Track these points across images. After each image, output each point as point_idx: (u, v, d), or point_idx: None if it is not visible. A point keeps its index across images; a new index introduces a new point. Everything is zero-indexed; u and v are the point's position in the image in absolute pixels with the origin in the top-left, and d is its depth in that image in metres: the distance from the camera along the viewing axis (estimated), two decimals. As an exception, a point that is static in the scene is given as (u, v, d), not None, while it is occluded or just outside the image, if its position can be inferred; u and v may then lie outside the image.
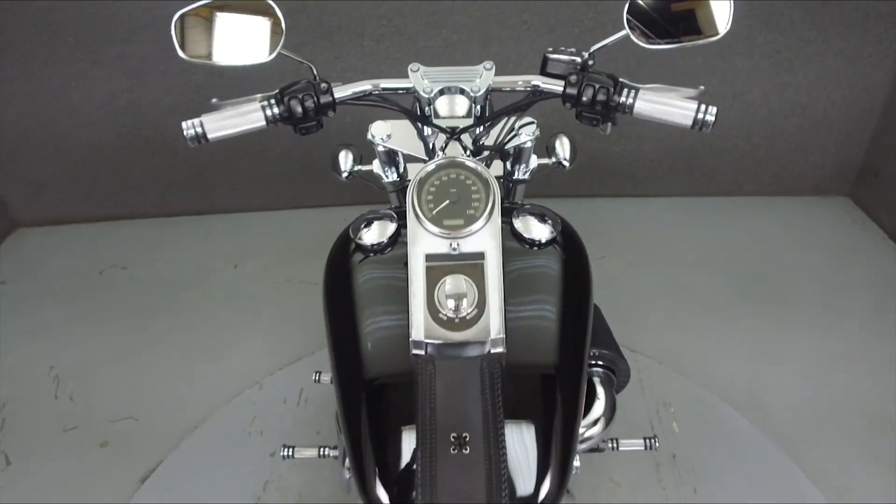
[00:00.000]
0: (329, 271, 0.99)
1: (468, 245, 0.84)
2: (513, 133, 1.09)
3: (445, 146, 1.01)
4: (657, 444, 1.31)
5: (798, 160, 2.78)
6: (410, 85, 0.96)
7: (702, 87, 0.96)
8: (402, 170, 1.22)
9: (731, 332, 2.22)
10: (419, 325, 0.80)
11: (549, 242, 0.93)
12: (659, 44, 0.94)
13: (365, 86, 0.97)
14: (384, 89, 0.98)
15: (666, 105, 0.90)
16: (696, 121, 0.89)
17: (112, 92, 2.47)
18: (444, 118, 1.07)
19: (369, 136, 1.11)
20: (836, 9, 2.32)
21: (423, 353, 0.81)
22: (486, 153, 1.09)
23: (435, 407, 0.83)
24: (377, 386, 0.90)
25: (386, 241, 0.93)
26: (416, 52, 2.37)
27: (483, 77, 0.95)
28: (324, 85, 0.92)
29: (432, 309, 0.80)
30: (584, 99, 0.90)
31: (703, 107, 0.89)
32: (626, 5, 0.93)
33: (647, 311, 2.28)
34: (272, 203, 2.81)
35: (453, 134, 1.00)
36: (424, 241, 0.84)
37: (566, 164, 1.23)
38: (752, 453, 1.79)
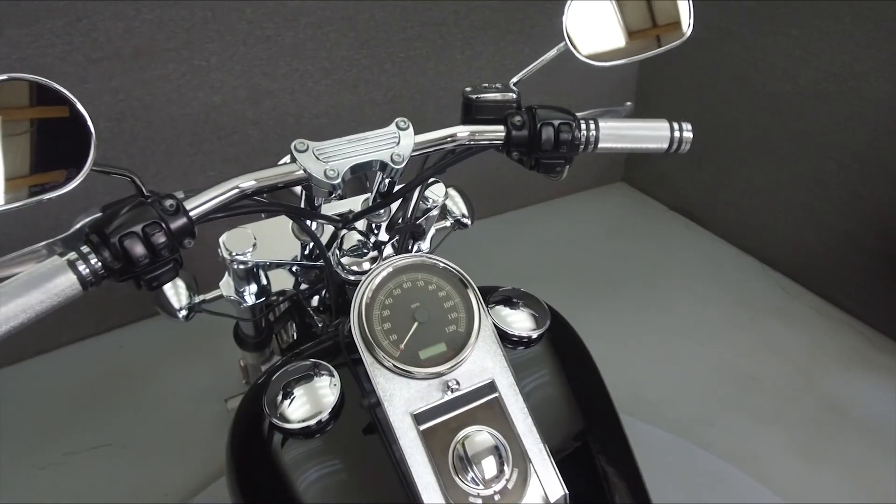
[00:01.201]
0: (238, 475, 0.63)
1: (467, 377, 0.59)
2: (421, 201, 0.84)
3: (338, 240, 0.79)
4: None
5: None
6: (301, 174, 0.63)
7: (629, 104, 0.85)
8: (264, 282, 0.88)
9: (587, 339, 2.17)
10: None
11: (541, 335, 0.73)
12: (609, 60, 0.77)
13: (239, 183, 0.61)
14: (261, 185, 0.63)
15: (634, 131, 0.77)
16: (672, 141, 0.77)
17: None
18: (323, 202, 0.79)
19: (224, 255, 0.81)
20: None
21: None
22: (390, 238, 0.82)
23: None
24: None
25: (328, 415, 0.61)
26: (172, 122, 1.92)
27: (403, 140, 0.67)
28: (169, 202, 0.56)
29: (456, 495, 0.54)
30: (543, 141, 0.72)
31: (676, 125, 0.77)
32: (566, 15, 0.74)
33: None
34: (12, 355, 2.07)
35: (346, 223, 0.76)
36: (403, 393, 0.57)
37: (467, 221, 1.01)
38: (668, 457, 1.74)
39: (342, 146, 0.64)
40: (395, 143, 0.66)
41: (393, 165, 0.65)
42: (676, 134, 0.76)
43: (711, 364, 2.05)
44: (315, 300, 0.90)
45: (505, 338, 0.70)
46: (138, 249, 0.52)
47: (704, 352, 2.10)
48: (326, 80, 2.08)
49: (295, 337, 1.09)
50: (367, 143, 0.65)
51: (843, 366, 2.03)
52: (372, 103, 2.20)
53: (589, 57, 0.75)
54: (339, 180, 0.63)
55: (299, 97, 2.06)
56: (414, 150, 0.67)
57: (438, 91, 2.31)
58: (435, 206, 0.88)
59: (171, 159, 1.99)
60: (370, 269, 0.62)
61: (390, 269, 0.61)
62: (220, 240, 0.79)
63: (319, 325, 0.86)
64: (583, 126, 0.74)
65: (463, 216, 1.01)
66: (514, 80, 0.77)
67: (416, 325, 0.59)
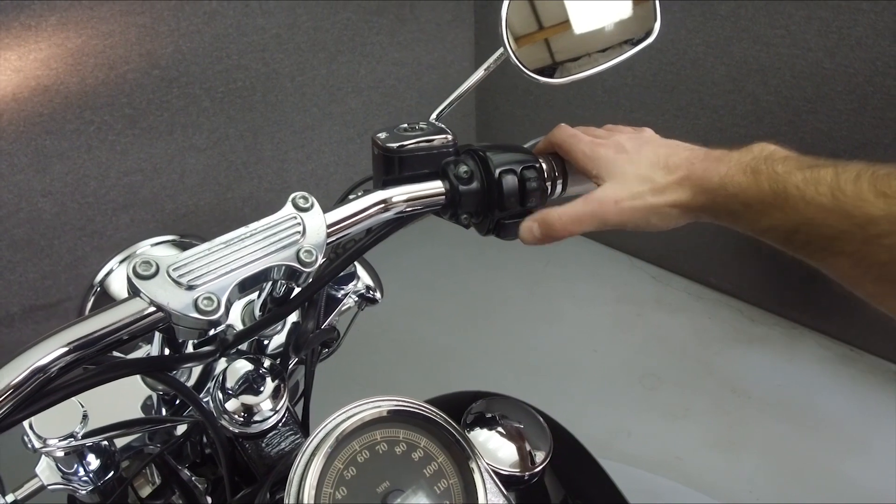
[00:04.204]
0: None
1: None
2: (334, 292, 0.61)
3: (217, 377, 0.52)
4: None
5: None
6: (153, 314, 0.39)
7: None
8: (106, 445, 0.59)
9: (481, 371, 2.03)
10: None
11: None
12: (566, 74, 0.59)
13: (40, 360, 0.36)
14: (82, 354, 0.37)
15: None
16: None
17: None
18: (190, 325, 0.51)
19: (36, 445, 0.50)
20: (416, 25, 2.30)
21: None
22: (296, 356, 0.58)
23: None
24: None
25: None
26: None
27: (309, 226, 0.44)
28: None
29: None
30: (507, 194, 0.52)
31: None
32: (504, 14, 0.54)
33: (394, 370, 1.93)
34: None
35: (225, 350, 0.47)
36: None
37: (376, 296, 0.76)
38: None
39: (216, 255, 0.40)
40: (300, 232, 0.43)
41: (303, 269, 0.42)
42: None
43: (612, 369, 1.98)
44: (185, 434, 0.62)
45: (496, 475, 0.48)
46: None
47: (602, 358, 2.03)
48: (132, 130, 1.73)
49: (158, 480, 0.80)
50: (255, 241, 0.42)
51: (728, 345, 2.06)
52: (194, 150, 1.88)
53: (537, 72, 0.56)
54: (222, 311, 0.38)
55: (99, 154, 1.69)
56: (328, 238, 0.44)
57: (272, 126, 2.04)
58: (348, 295, 0.65)
59: (-66, 256, 1.53)
60: (296, 458, 0.40)
61: (332, 443, 0.39)
62: (26, 425, 0.48)
63: (201, 488, 0.60)
64: (545, 167, 0.55)
65: (369, 290, 0.76)
66: (436, 113, 0.56)
67: None
